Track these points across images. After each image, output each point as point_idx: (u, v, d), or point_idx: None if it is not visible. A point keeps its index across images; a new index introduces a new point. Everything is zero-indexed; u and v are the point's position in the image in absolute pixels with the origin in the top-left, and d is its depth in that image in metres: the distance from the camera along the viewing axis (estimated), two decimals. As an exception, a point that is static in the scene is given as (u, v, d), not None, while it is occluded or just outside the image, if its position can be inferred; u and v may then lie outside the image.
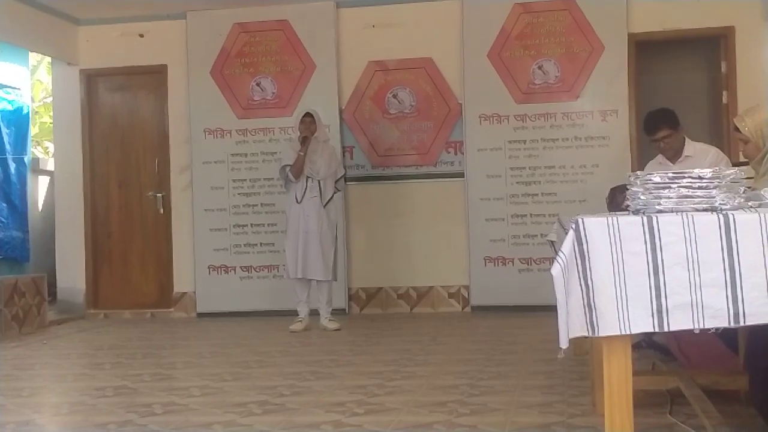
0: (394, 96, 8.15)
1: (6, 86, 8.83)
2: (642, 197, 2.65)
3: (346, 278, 7.97)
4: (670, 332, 2.60)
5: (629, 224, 2.53)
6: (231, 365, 5.56)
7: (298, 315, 7.09)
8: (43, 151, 11.76)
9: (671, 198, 2.61)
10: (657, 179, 2.64)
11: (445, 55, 8.06)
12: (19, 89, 9.05)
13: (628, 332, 2.50)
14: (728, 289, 2.47)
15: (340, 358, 5.75)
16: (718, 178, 2.60)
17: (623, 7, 7.70)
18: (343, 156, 8.03)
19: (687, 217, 2.52)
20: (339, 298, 7.68)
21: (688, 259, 2.49)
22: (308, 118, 6.98)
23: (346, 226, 8.06)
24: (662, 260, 2.50)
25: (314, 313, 7.11)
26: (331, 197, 7.09)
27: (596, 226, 2.54)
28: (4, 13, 7.52)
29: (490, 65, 7.88)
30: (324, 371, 5.21)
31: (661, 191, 2.62)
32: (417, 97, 8.11)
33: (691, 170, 2.65)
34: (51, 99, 9.67)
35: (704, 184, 2.60)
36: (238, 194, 8.26)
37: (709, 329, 2.52)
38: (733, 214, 2.50)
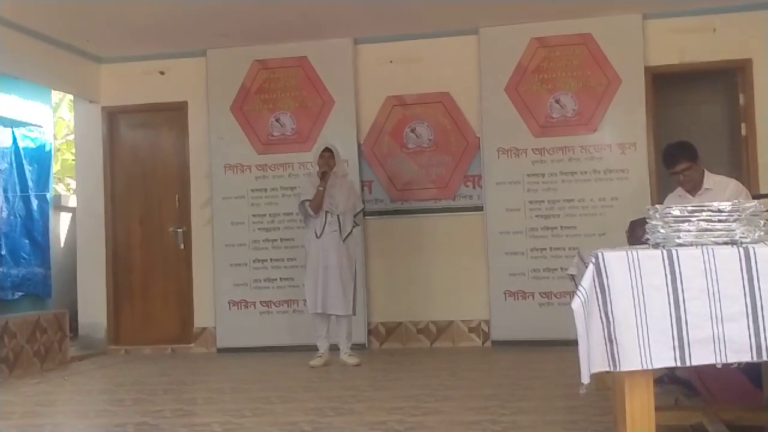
0: (412, 130, 8.19)
1: (29, 124, 8.94)
2: (662, 231, 2.65)
3: (365, 313, 7.96)
4: (692, 367, 2.58)
5: (649, 258, 2.53)
6: (251, 401, 5.55)
7: (317, 350, 7.08)
8: (65, 187, 11.87)
9: (691, 231, 2.61)
10: (677, 212, 2.65)
11: (462, 90, 8.10)
12: (41, 127, 9.16)
13: (649, 367, 2.50)
14: (750, 323, 2.46)
15: (360, 393, 5.73)
16: (738, 211, 2.60)
17: (640, 40, 7.72)
18: (362, 190, 8.06)
19: (707, 251, 2.51)
20: (358, 333, 7.67)
21: (709, 292, 2.48)
22: (327, 153, 7.03)
23: (365, 261, 8.07)
24: (683, 294, 2.50)
25: (334, 348, 7.11)
26: (350, 231, 7.11)
27: (616, 260, 2.54)
28: (27, 53, 7.64)
29: (508, 99, 7.91)
30: (344, 407, 5.20)
31: (681, 224, 2.62)
32: (435, 132, 8.14)
33: (710, 203, 2.65)
34: (73, 136, 9.78)
35: (724, 218, 2.60)
36: (258, 229, 8.29)
37: (731, 364, 2.51)
38: (753, 248, 2.49)
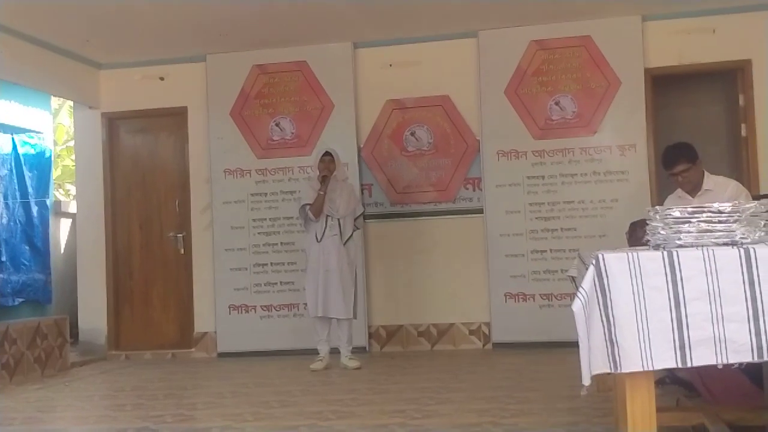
0: (412, 134, 8.19)
1: (29, 130, 8.94)
2: (662, 232, 2.65)
3: (366, 316, 7.96)
4: (693, 367, 2.58)
5: (650, 259, 2.53)
6: (252, 405, 5.54)
7: (318, 354, 7.08)
8: (64, 193, 11.86)
9: (691, 232, 2.61)
10: (677, 214, 2.64)
11: (462, 93, 8.10)
12: (41, 133, 9.16)
13: (650, 368, 2.49)
14: (751, 324, 2.46)
15: (360, 396, 5.73)
16: (738, 211, 2.60)
17: (639, 42, 7.73)
18: (362, 194, 8.06)
19: (707, 252, 2.51)
20: (359, 336, 7.67)
21: (709, 293, 2.48)
22: (327, 157, 7.03)
23: (366, 264, 8.07)
24: (683, 295, 2.50)
25: (335, 352, 7.11)
26: (351, 235, 7.11)
27: (617, 262, 2.54)
28: (27, 59, 7.65)
29: (507, 102, 7.91)
30: (345, 410, 5.19)
31: (681, 226, 2.62)
32: (435, 135, 8.15)
33: (710, 204, 2.65)
34: (73, 142, 9.78)
35: (724, 218, 2.60)
36: (258, 233, 8.29)
37: (732, 364, 2.50)
38: (753, 248, 2.49)
